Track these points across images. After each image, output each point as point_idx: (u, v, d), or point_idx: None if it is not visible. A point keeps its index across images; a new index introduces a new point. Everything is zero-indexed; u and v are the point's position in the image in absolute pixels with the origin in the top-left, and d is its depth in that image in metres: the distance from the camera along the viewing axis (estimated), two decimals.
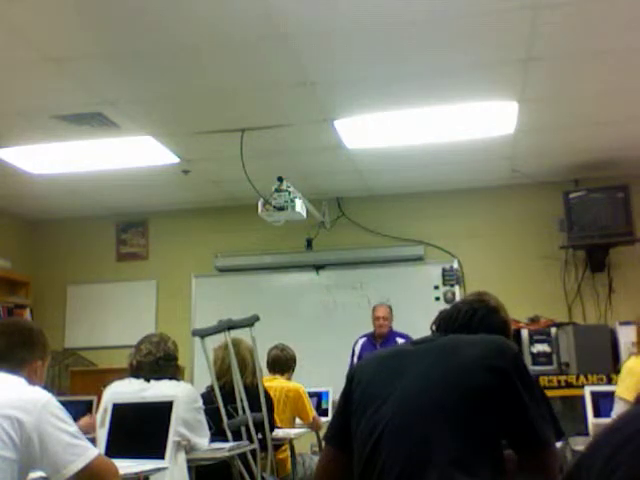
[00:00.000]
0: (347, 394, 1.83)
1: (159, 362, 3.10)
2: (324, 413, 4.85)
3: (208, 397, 3.45)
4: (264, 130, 4.77)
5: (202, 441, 3.07)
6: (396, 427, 1.65)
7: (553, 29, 3.52)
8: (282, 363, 4.50)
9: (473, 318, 1.88)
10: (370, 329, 5.73)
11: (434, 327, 1.94)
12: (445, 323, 1.91)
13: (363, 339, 5.71)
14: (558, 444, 1.77)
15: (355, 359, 5.60)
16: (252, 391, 3.59)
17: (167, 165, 5.50)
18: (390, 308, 5.73)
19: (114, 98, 4.22)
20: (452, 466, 1.55)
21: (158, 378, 3.07)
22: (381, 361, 1.86)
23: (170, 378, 3.10)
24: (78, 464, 1.90)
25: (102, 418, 2.94)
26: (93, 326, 6.91)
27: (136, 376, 3.11)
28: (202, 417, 3.12)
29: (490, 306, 1.93)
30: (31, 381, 2.05)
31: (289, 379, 4.52)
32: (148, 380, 3.07)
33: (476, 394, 1.63)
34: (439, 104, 4.41)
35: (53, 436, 1.89)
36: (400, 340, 5.39)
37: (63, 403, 2.00)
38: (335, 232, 6.59)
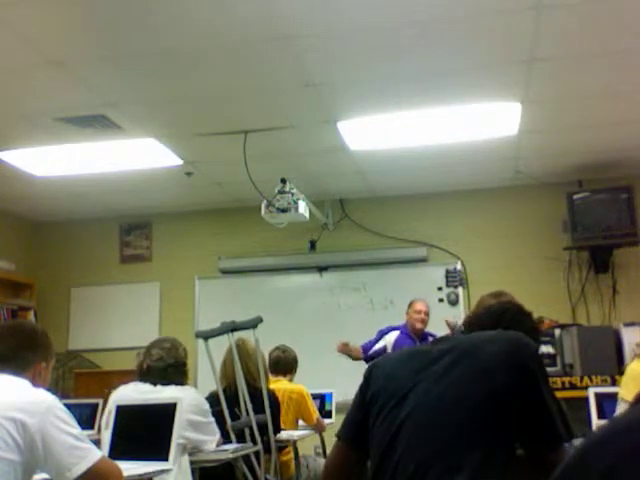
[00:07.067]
0: (364, 391, 1.83)
1: (168, 369, 3.11)
2: (327, 415, 4.84)
3: (213, 400, 3.45)
4: (267, 132, 4.77)
5: (208, 438, 3.07)
6: (414, 425, 1.65)
7: (556, 30, 3.51)
8: (284, 364, 4.50)
9: (503, 317, 1.87)
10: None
11: (463, 327, 1.94)
12: (475, 323, 1.90)
13: (396, 332, 5.28)
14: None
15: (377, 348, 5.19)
16: (259, 393, 3.60)
17: (170, 167, 5.50)
18: (428, 305, 5.34)
19: (117, 100, 4.23)
20: (467, 468, 1.55)
21: (166, 384, 3.07)
22: (400, 358, 1.86)
23: (177, 384, 3.10)
24: (82, 466, 1.90)
25: (107, 420, 2.95)
26: (97, 328, 6.92)
27: (144, 380, 3.11)
28: (210, 419, 3.12)
29: (521, 308, 1.94)
30: (35, 383, 2.06)
31: (291, 380, 4.52)
32: (155, 384, 3.07)
33: (497, 395, 1.62)
34: (442, 105, 4.41)
35: (57, 438, 1.89)
36: None
37: (67, 406, 2.00)
38: (338, 234, 6.59)
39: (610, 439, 0.92)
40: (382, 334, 5.34)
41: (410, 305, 5.39)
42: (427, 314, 5.28)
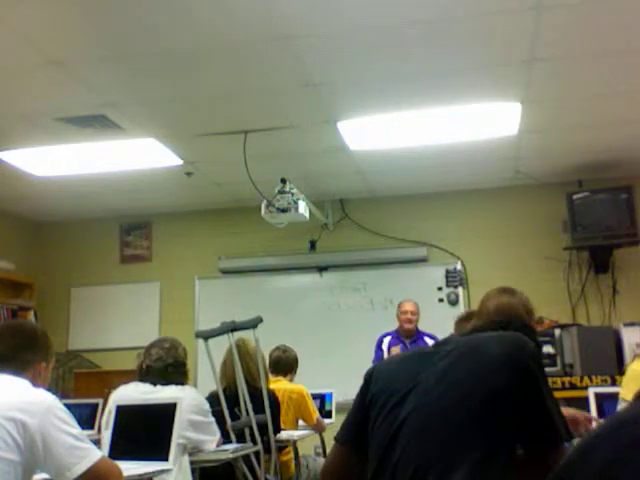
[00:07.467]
0: (364, 393, 1.83)
1: (168, 368, 3.11)
2: (327, 415, 4.84)
3: (213, 400, 3.46)
4: (267, 132, 4.78)
5: (208, 438, 3.07)
6: (414, 425, 1.65)
7: (556, 30, 3.51)
8: (284, 364, 4.51)
9: (506, 330, 1.86)
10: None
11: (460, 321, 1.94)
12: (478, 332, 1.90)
13: (388, 337, 5.41)
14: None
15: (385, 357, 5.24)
16: (259, 393, 3.60)
17: (170, 167, 5.50)
18: (417, 305, 5.47)
19: (117, 100, 4.23)
20: (467, 468, 1.55)
21: (165, 384, 3.07)
22: (401, 360, 1.87)
23: (177, 384, 3.10)
24: (82, 466, 1.91)
25: (107, 420, 2.95)
26: (97, 328, 6.92)
27: (144, 380, 3.11)
28: (211, 419, 3.13)
29: (525, 321, 1.94)
30: (35, 383, 2.06)
31: (291, 380, 4.53)
32: (155, 385, 3.07)
33: (497, 395, 1.62)
34: (442, 105, 4.41)
35: (57, 438, 1.89)
36: (429, 340, 5.17)
37: (67, 406, 2.00)
38: (338, 234, 6.59)
39: (608, 435, 0.92)
40: (379, 344, 5.45)
41: (398, 306, 5.53)
42: (414, 313, 5.39)
